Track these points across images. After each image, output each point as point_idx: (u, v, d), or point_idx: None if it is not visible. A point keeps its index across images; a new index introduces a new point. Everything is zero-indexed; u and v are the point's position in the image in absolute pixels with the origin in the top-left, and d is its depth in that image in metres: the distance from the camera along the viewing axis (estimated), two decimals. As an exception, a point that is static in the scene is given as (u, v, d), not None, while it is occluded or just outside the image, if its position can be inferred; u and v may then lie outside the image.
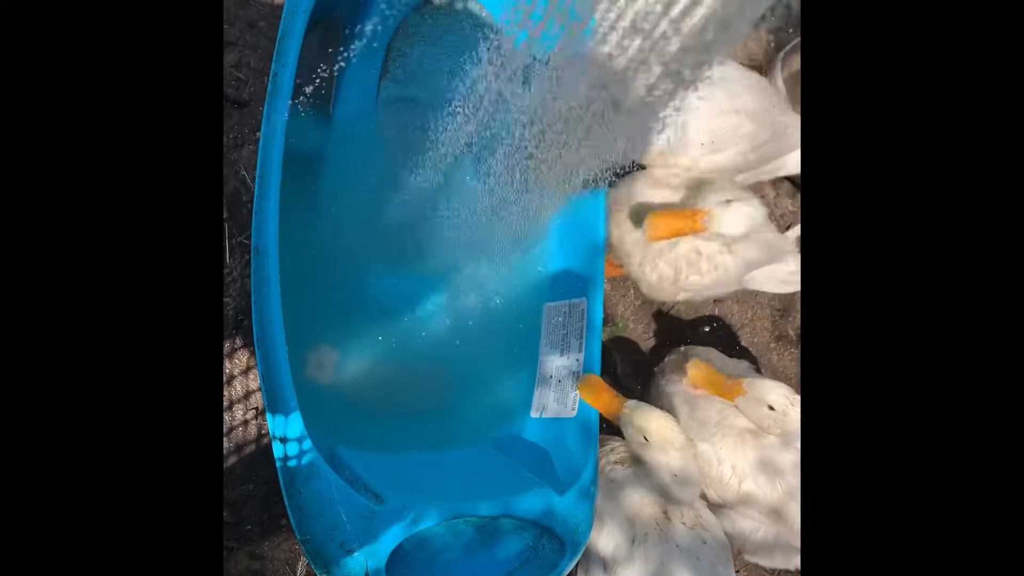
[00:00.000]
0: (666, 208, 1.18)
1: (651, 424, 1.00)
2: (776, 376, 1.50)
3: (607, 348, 1.42)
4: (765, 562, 1.26)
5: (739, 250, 1.17)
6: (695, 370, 1.14)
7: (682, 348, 1.34)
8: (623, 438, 1.13)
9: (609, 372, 1.42)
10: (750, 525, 1.15)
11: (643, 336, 1.46)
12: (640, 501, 1.08)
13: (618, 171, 0.99)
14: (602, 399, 1.06)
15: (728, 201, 1.10)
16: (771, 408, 1.06)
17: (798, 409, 1.06)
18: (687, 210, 1.12)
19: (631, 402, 1.04)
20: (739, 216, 1.09)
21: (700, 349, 1.32)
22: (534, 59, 0.89)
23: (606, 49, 0.76)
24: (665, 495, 1.05)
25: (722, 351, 1.47)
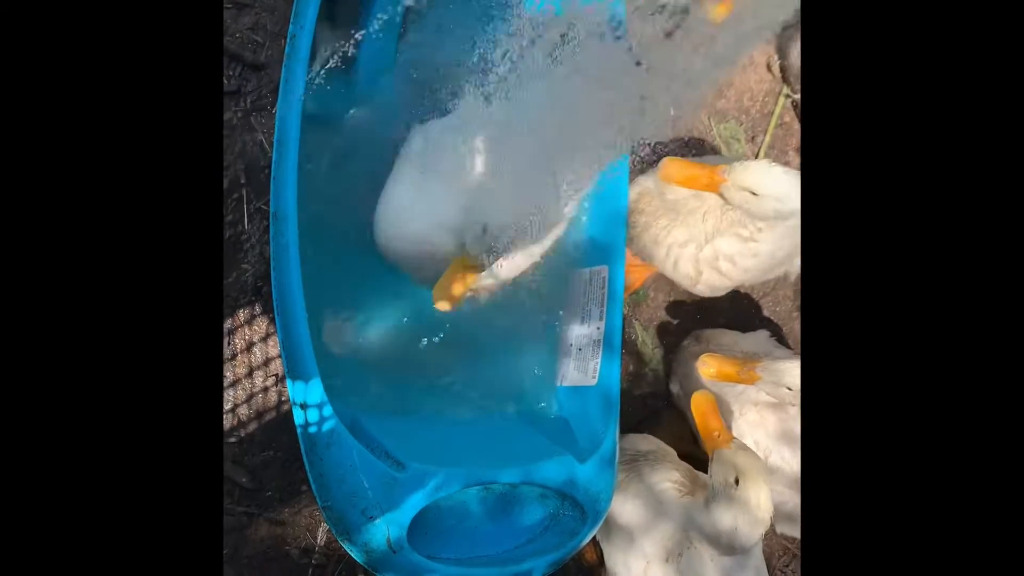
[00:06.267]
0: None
1: (757, 476, 0.96)
2: (798, 345, 1.48)
3: (627, 317, 1.41)
4: (795, 532, 1.25)
5: (766, 241, 1.11)
6: (706, 368, 1.11)
7: (695, 333, 1.33)
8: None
9: (629, 341, 1.41)
10: (776, 498, 1.15)
11: (664, 304, 1.44)
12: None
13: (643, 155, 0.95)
14: (710, 426, 1.03)
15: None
16: (789, 388, 1.04)
17: None
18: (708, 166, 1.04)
19: (739, 442, 1.01)
20: (768, 174, 0.98)
21: (709, 332, 1.30)
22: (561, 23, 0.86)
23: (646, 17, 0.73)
24: (715, 540, 1.01)
25: (743, 322, 1.46)
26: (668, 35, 0.82)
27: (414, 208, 0.99)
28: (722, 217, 1.09)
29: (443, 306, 0.92)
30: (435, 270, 0.97)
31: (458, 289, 0.94)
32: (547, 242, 1.05)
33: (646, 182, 1.17)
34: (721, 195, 1.03)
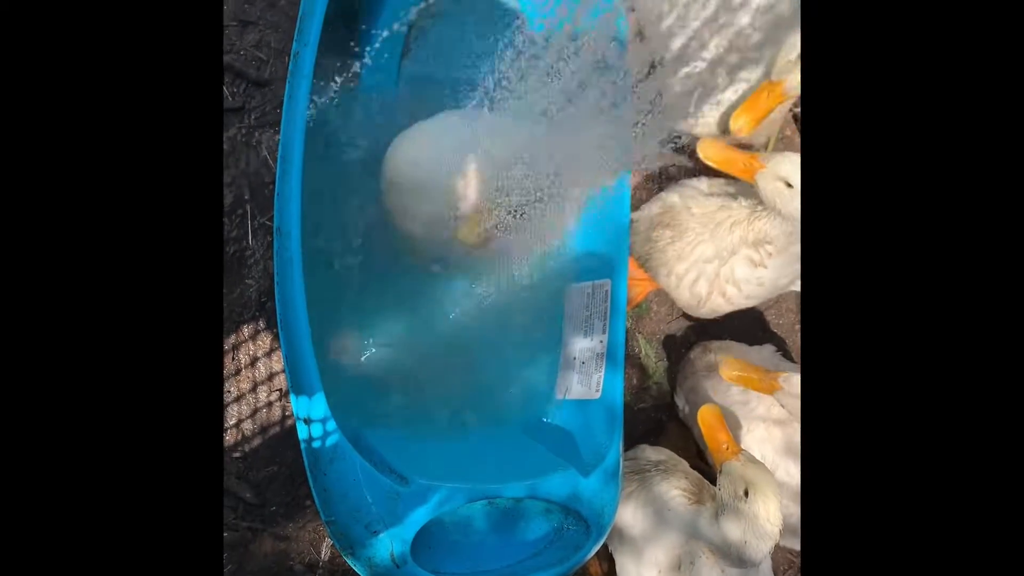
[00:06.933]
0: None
1: (767, 489, 0.96)
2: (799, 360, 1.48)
3: (631, 330, 1.41)
4: (798, 546, 1.25)
5: (773, 267, 1.12)
6: (728, 370, 1.11)
7: (703, 344, 1.33)
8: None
9: (633, 354, 1.41)
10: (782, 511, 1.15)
11: (667, 318, 1.44)
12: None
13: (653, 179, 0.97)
14: (718, 438, 1.04)
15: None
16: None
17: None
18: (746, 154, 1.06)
19: (747, 454, 1.01)
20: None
21: (716, 344, 1.30)
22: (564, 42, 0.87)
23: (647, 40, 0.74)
24: (725, 553, 1.02)
25: (746, 334, 1.45)
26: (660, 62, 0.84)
27: (434, 136, 1.04)
28: (749, 228, 1.09)
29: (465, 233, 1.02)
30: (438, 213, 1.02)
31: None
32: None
33: (670, 197, 1.18)
34: (755, 183, 1.03)
